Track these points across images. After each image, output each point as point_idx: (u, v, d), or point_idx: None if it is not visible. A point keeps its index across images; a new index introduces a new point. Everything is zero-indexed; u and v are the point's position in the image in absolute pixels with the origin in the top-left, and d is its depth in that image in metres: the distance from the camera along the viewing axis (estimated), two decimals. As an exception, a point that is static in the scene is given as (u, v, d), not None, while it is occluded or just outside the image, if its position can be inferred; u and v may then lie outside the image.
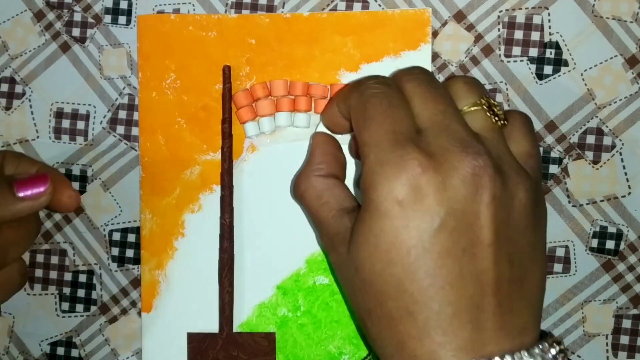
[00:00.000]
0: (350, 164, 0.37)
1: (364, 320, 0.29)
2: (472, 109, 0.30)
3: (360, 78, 0.32)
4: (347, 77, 0.38)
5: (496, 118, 0.30)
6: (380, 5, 0.38)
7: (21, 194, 0.33)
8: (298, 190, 0.33)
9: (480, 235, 0.27)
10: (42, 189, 0.33)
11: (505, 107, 0.37)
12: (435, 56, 0.38)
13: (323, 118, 0.35)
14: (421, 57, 0.37)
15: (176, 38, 0.38)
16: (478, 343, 0.27)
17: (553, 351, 0.28)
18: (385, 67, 0.37)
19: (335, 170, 0.34)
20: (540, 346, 0.28)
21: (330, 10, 0.38)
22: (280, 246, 0.38)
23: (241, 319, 0.38)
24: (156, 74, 0.38)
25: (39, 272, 0.40)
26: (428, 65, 0.37)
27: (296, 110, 0.38)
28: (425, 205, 0.27)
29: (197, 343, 0.38)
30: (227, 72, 0.38)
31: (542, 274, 0.30)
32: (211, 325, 0.38)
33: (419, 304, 0.27)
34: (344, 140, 0.36)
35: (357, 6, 0.38)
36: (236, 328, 0.38)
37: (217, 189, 0.38)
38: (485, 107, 0.30)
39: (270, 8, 0.38)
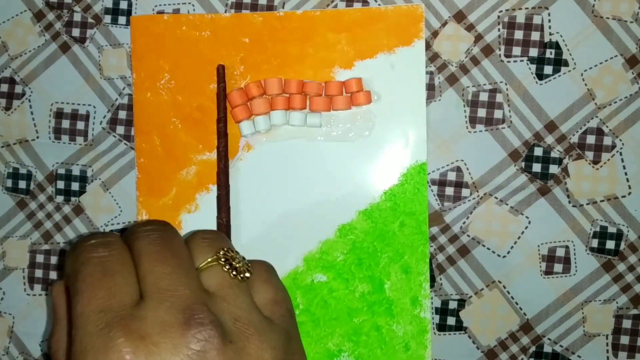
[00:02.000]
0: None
1: None
2: (208, 265, 0.27)
3: (82, 237, 0.30)
4: (341, 74, 0.38)
5: (234, 272, 0.27)
6: (379, 4, 0.38)
7: None
8: (51, 350, 0.29)
9: None
10: None
11: (506, 108, 0.37)
12: (435, 56, 0.38)
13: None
14: (415, 53, 0.37)
15: (170, 38, 0.38)
16: None
17: None
18: (379, 63, 0.37)
19: None
20: None
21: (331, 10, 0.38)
22: (278, 244, 0.38)
23: (241, 319, 0.38)
24: (150, 75, 0.38)
25: (39, 272, 0.40)
26: (422, 61, 0.37)
27: (291, 109, 0.38)
28: None
29: (197, 343, 0.38)
30: (221, 72, 0.38)
31: None
32: (211, 325, 0.38)
33: None
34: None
35: (357, 6, 0.38)
36: (236, 328, 0.38)
37: (214, 188, 0.38)
38: (222, 261, 0.28)
39: (270, 8, 0.38)
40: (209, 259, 0.28)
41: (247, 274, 0.28)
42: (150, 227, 0.28)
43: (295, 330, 0.29)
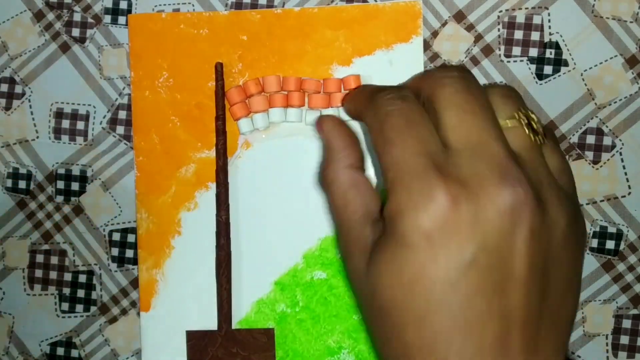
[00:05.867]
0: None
1: (380, 348, 0.27)
2: (511, 125, 0.27)
3: (374, 89, 0.29)
4: (339, 72, 0.38)
5: (534, 135, 0.27)
6: (377, 1, 0.38)
7: None
8: (325, 182, 0.30)
9: (514, 271, 0.24)
10: None
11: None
12: (435, 56, 0.38)
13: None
14: (413, 50, 0.37)
15: (168, 36, 0.38)
16: None
17: None
18: (378, 60, 0.37)
19: (358, 158, 0.31)
20: None
21: (330, 10, 0.38)
22: (277, 242, 0.38)
23: (240, 316, 0.38)
24: (149, 73, 0.38)
25: (39, 273, 0.40)
26: (420, 58, 0.37)
27: (289, 106, 0.38)
28: (455, 239, 0.24)
29: (197, 341, 0.38)
30: (219, 69, 0.38)
31: (575, 305, 0.27)
32: (210, 322, 0.38)
33: (439, 341, 0.25)
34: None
35: (356, 3, 0.38)
36: (235, 325, 0.38)
37: (213, 186, 0.38)
38: (524, 122, 0.27)
39: (270, 8, 0.38)
40: (511, 117, 0.27)
41: (544, 139, 0.27)
42: (455, 73, 0.27)
43: (577, 200, 0.28)
